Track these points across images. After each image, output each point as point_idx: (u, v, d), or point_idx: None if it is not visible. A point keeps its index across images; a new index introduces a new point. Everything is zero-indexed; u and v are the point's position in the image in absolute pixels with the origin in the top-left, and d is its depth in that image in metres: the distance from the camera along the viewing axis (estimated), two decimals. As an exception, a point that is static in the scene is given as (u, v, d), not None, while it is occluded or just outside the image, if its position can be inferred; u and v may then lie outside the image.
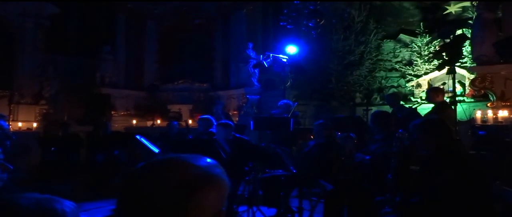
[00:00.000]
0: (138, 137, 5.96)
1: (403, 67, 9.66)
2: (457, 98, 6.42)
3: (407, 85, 9.56)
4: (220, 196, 0.84)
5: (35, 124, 9.45)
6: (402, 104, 7.04)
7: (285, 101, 6.66)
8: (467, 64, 8.47)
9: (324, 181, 4.28)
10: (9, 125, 6.62)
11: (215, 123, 5.63)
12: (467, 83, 8.32)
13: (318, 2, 9.96)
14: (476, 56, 7.79)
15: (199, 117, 6.05)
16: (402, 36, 9.81)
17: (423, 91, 8.96)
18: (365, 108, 8.72)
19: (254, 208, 4.50)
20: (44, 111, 9.89)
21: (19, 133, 8.73)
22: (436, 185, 2.59)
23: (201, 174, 0.83)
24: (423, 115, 6.04)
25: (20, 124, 9.28)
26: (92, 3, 11.41)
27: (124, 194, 0.84)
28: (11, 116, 9.13)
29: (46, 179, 6.99)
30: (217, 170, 0.88)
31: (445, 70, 7.33)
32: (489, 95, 7.45)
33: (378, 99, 9.72)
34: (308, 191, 4.50)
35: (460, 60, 8.33)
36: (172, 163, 0.86)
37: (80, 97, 10.87)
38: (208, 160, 0.90)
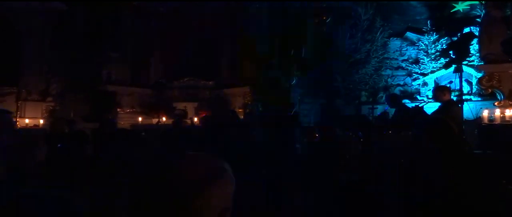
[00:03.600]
0: (143, 134, 5.99)
1: (410, 65, 9.59)
2: (464, 97, 6.36)
3: (413, 83, 9.50)
4: (226, 193, 0.84)
5: (41, 121, 9.51)
6: (404, 104, 7.00)
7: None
8: (475, 63, 8.39)
9: (328, 179, 4.27)
10: (16, 121, 6.64)
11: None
12: (474, 81, 8.25)
13: (325, 0, 9.92)
14: (483, 55, 7.73)
15: (201, 116, 6.07)
16: (409, 34, 9.74)
17: (430, 89, 8.90)
18: (370, 106, 8.68)
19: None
20: (51, 108, 9.95)
21: (26, 129, 8.80)
22: (439, 185, 2.57)
23: (209, 171, 0.83)
24: (429, 114, 6.00)
25: (27, 120, 9.34)
26: (99, 0, 11.44)
27: (132, 191, 0.85)
28: (18, 112, 9.20)
29: (52, 175, 7.03)
30: (224, 167, 0.87)
31: (452, 69, 7.28)
32: (497, 94, 7.39)
33: (384, 97, 9.67)
34: (312, 189, 4.49)
35: (467, 59, 8.27)
36: (180, 160, 0.86)
37: (86, 94, 10.92)
38: (215, 158, 0.90)
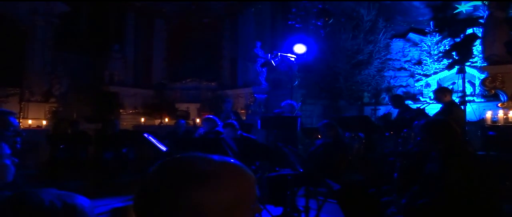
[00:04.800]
0: (146, 135, 6.00)
1: (412, 66, 9.57)
2: (467, 98, 6.34)
3: (416, 84, 9.48)
4: (217, 198, 0.81)
5: (44, 122, 9.54)
6: (407, 105, 6.99)
7: (288, 101, 6.66)
8: (478, 64, 8.37)
9: (330, 180, 4.26)
10: (19, 122, 6.68)
11: (220, 124, 5.65)
12: (477, 82, 8.23)
13: (327, 1, 9.91)
14: (487, 56, 7.70)
15: (204, 117, 6.07)
16: (411, 35, 9.72)
17: (432, 90, 8.89)
18: (373, 107, 8.67)
19: (261, 207, 4.49)
20: (54, 109, 9.97)
21: (29, 130, 8.82)
22: (442, 186, 2.56)
23: (195, 173, 0.82)
24: (431, 115, 5.99)
25: (30, 121, 9.36)
26: (101, 1, 11.48)
27: (139, 190, 0.85)
28: (21, 113, 9.23)
29: (56, 176, 7.06)
30: (219, 171, 0.86)
31: (455, 70, 7.26)
32: (500, 95, 7.36)
33: (387, 98, 9.65)
34: (314, 190, 4.48)
35: (470, 60, 8.24)
36: (184, 159, 0.86)
37: (89, 95, 10.96)
38: (222, 157, 0.90)
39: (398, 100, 6.87)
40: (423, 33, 9.52)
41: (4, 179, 1.92)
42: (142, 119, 11.15)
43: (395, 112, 7.05)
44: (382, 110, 8.50)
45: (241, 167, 0.89)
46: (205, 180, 0.80)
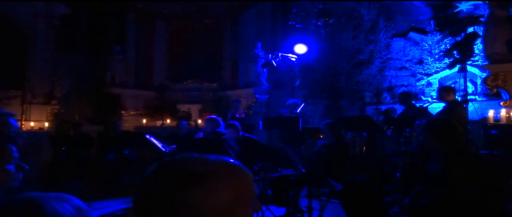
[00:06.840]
0: (148, 136, 6.02)
1: (413, 65, 9.57)
2: (468, 97, 6.33)
3: (417, 83, 9.47)
4: (216, 198, 0.81)
5: (46, 124, 9.55)
6: (414, 104, 6.98)
7: (293, 100, 6.67)
8: (479, 63, 8.36)
9: (333, 180, 4.26)
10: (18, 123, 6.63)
11: (222, 124, 5.65)
12: (479, 81, 8.22)
13: (327, 1, 9.92)
14: (488, 54, 7.69)
15: (206, 117, 6.06)
16: (412, 34, 9.71)
17: (434, 90, 8.87)
18: (375, 107, 8.66)
19: (264, 208, 4.50)
20: (56, 110, 9.99)
21: (31, 132, 8.84)
22: (445, 186, 2.56)
23: (195, 173, 0.82)
24: (433, 114, 5.98)
25: (32, 123, 9.38)
26: (102, 3, 11.50)
27: (137, 192, 0.85)
28: (23, 115, 9.25)
29: (58, 178, 7.08)
30: (218, 171, 0.85)
31: (456, 69, 7.26)
32: (502, 94, 7.36)
33: (388, 98, 9.65)
34: (317, 190, 4.49)
35: (471, 58, 8.23)
36: (182, 160, 0.86)
37: (91, 96, 10.97)
38: (220, 157, 0.90)
39: (405, 98, 6.85)
40: (424, 32, 9.50)
41: (6, 184, 1.86)
42: (144, 121, 11.16)
43: (400, 110, 7.05)
44: (384, 109, 8.50)
45: (238, 166, 0.89)
46: (202, 181, 0.81)
